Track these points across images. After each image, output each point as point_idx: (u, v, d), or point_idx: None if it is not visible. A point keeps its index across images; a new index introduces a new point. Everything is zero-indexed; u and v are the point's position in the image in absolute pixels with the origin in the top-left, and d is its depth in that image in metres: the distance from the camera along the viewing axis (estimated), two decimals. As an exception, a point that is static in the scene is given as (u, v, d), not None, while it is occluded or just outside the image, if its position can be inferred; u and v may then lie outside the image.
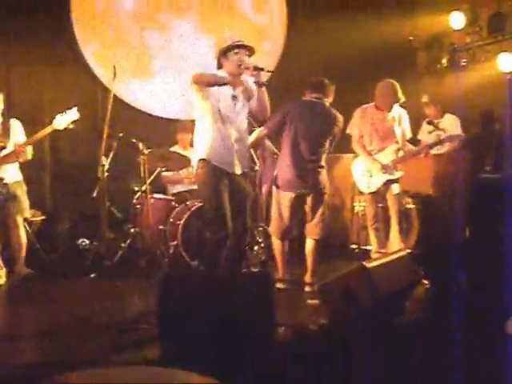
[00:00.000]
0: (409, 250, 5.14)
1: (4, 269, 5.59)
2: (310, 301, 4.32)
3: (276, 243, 5.37)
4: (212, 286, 3.64)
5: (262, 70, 4.42)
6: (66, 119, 5.44)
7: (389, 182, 5.73)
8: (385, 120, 5.77)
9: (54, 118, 5.43)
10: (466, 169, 6.27)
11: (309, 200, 5.28)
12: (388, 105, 5.73)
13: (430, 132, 6.86)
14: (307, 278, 5.27)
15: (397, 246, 5.65)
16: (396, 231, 5.76)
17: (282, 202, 5.28)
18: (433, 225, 6.29)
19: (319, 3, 8.07)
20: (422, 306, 4.66)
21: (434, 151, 6.22)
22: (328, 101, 5.38)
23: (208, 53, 7.75)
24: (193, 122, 7.04)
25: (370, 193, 5.84)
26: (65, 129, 5.47)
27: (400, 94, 5.66)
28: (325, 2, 8.07)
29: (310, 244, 5.35)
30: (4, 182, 5.50)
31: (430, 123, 6.87)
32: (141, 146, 5.93)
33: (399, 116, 5.82)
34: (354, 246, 6.67)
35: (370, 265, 3.95)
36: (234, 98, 4.58)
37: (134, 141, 6.02)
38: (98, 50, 7.43)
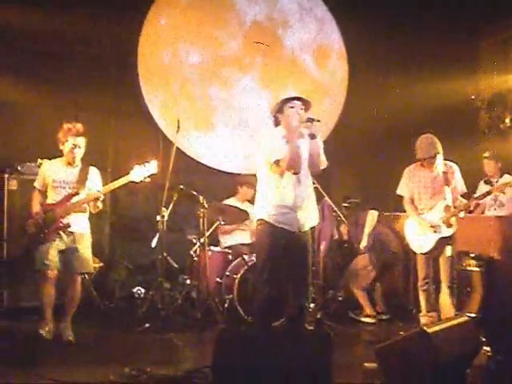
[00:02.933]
0: (472, 315, 4.98)
1: (51, 324, 5.23)
2: (367, 364, 4.21)
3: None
4: (267, 343, 3.59)
5: (313, 120, 4.31)
6: (143, 172, 5.22)
7: (443, 242, 5.66)
8: (431, 177, 5.74)
9: (132, 168, 5.23)
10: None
11: None
12: (428, 158, 5.67)
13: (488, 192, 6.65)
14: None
15: (447, 309, 5.58)
16: (447, 295, 5.67)
17: None
18: (497, 289, 6.07)
19: (380, 61, 8.11)
20: (484, 375, 4.44)
21: (491, 212, 6.09)
22: None
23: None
24: (254, 176, 7.20)
25: (423, 253, 5.76)
26: (141, 182, 5.25)
27: (437, 146, 5.63)
28: (386, 60, 8.11)
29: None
30: (70, 230, 5.26)
31: (487, 182, 6.67)
32: (201, 198, 5.99)
33: (448, 170, 5.72)
34: (411, 307, 6.51)
35: (430, 329, 3.82)
36: None
37: (195, 193, 6.09)
38: (162, 103, 7.62)
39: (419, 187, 5.78)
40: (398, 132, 7.76)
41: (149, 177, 5.24)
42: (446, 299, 5.65)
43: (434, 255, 5.75)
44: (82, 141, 5.34)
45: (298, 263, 4.48)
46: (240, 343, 3.49)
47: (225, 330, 3.93)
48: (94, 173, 5.45)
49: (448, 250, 5.67)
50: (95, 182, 5.43)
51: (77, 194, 5.27)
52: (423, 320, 5.79)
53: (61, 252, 5.24)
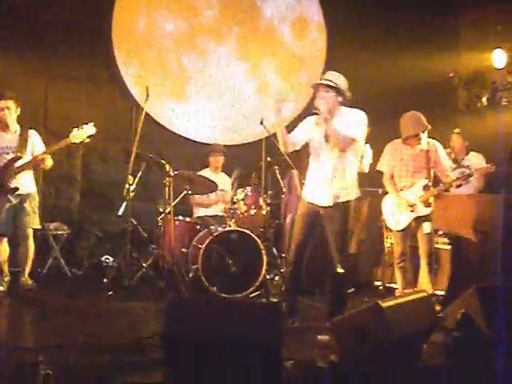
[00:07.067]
0: (441, 293, 4.99)
1: (8, 277, 5.66)
2: (320, 336, 4.22)
3: None
4: (220, 313, 3.57)
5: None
6: (81, 133, 5.54)
7: (420, 220, 5.59)
8: (413, 154, 5.63)
9: (71, 131, 5.54)
10: (499, 211, 6.02)
11: None
12: (414, 136, 5.59)
13: (453, 169, 6.56)
14: None
15: (426, 287, 5.49)
16: (425, 271, 5.59)
17: None
18: (462, 267, 6.06)
19: (360, 36, 7.98)
20: (442, 351, 4.44)
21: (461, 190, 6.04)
22: None
23: (245, 79, 7.80)
24: (225, 146, 7.11)
25: (398, 230, 5.70)
26: (81, 142, 5.61)
27: (425, 122, 5.50)
28: (366, 36, 7.98)
29: None
30: (18, 192, 5.56)
31: (454, 161, 6.68)
32: (167, 167, 5.92)
33: (431, 148, 5.60)
34: (378, 283, 6.50)
35: (385, 304, 3.81)
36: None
37: (163, 161, 6.02)
38: (136, 71, 7.49)
39: (400, 164, 5.67)
40: (375, 109, 7.67)
41: (88, 137, 5.58)
42: (424, 276, 5.59)
43: (410, 232, 5.68)
44: (8, 103, 5.57)
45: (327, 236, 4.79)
46: (190, 312, 3.47)
47: (176, 298, 3.91)
48: (34, 136, 5.69)
49: (427, 227, 5.58)
50: (36, 144, 5.67)
51: (20, 157, 5.53)
52: None
53: (8, 211, 5.54)
